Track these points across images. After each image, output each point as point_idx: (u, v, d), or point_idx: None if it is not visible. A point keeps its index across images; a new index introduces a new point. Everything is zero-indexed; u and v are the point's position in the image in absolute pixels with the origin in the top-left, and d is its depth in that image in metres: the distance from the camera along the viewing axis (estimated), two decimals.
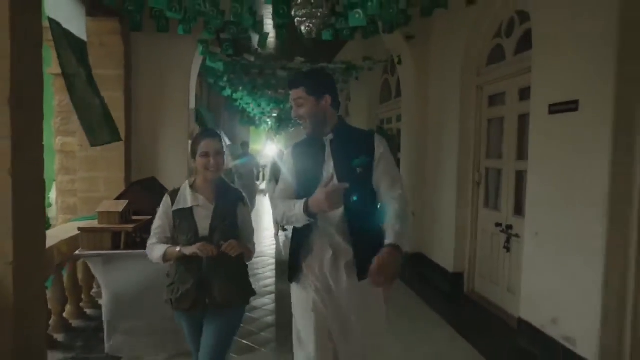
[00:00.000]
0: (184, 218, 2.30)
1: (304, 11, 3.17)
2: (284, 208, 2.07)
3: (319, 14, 3.22)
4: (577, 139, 3.11)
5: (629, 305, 2.88)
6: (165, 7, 3.68)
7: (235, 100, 10.23)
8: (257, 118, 14.42)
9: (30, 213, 2.77)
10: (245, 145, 10.38)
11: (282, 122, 15.67)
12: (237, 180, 9.74)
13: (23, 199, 2.64)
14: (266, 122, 15.82)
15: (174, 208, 2.31)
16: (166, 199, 2.37)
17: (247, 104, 11.10)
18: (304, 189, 2.07)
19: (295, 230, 2.16)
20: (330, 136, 2.12)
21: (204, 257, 2.21)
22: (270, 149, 20.15)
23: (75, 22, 4.09)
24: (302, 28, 3.26)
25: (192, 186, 2.35)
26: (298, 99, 2.09)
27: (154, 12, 4.36)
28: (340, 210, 1.99)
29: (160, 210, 2.38)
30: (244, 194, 2.44)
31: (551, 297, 3.35)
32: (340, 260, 2.03)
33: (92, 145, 3.74)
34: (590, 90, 3.00)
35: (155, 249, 2.35)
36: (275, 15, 3.49)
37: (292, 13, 3.29)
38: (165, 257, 2.33)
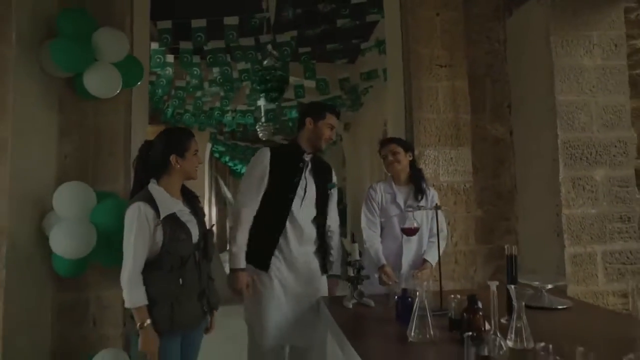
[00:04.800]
0: (173, 225, 1.82)
1: (262, 127, 6.35)
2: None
3: (271, 129, 6.47)
4: None
5: None
6: (192, 124, 6.91)
7: (235, 167, 13.44)
8: None
9: None
10: None
11: None
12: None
13: None
14: None
15: (164, 215, 1.79)
16: (143, 208, 1.77)
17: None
18: (275, 194, 2.20)
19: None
20: (310, 156, 2.30)
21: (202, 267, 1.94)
22: None
23: None
24: (261, 135, 6.48)
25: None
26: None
27: None
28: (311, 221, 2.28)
29: (136, 226, 1.76)
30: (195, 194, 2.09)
31: None
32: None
33: None
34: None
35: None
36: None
37: (257, 127, 6.52)
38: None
